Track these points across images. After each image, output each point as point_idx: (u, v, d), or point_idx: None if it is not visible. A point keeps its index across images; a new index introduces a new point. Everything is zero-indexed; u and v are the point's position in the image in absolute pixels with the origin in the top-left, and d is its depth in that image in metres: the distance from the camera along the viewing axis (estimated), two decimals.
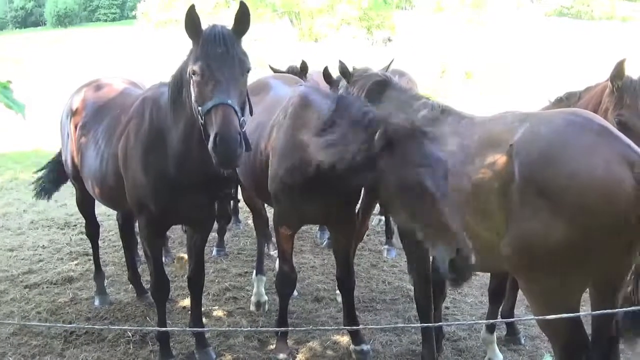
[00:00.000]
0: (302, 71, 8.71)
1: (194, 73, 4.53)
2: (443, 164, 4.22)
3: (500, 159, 4.14)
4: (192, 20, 4.56)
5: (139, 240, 7.31)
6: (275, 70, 8.97)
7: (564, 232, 3.78)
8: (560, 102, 5.83)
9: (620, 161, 3.75)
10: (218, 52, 4.48)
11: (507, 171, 4.06)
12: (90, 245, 7.84)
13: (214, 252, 9.01)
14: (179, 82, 4.98)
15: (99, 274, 7.48)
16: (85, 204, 7.31)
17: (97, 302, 7.31)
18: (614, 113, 5.39)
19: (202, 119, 4.52)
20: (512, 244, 4.05)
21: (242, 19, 4.64)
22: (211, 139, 4.34)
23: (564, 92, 6.05)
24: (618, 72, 5.41)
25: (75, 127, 6.49)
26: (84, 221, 7.78)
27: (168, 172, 5.31)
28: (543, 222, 3.85)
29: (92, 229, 7.59)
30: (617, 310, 4.18)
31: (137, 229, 6.96)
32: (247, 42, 4.79)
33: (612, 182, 3.71)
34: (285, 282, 5.98)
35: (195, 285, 6.11)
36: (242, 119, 4.48)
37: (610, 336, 4.32)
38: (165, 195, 5.41)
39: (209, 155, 4.42)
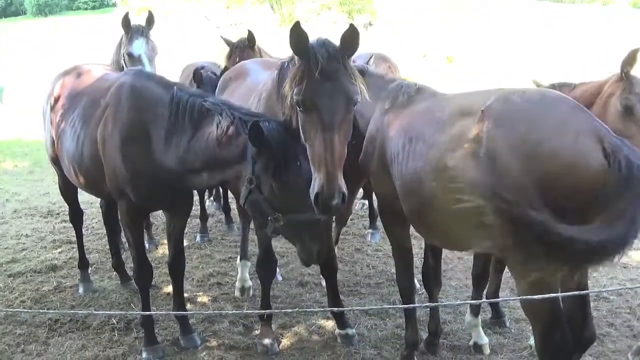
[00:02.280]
0: (249, 42, 8.75)
1: None
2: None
3: (471, 124, 4.11)
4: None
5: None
6: (225, 41, 9.02)
7: (533, 197, 3.75)
8: (553, 89, 5.80)
9: (590, 134, 3.71)
10: None
11: (477, 135, 4.03)
12: (73, 234, 7.82)
13: (198, 238, 9.03)
14: None
15: (82, 261, 7.46)
16: (68, 190, 7.25)
17: (81, 290, 7.30)
18: (621, 96, 5.41)
19: None
20: (491, 211, 4.00)
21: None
22: None
23: (556, 80, 6.06)
24: (630, 59, 5.46)
25: (56, 114, 6.45)
26: (67, 209, 7.75)
27: (149, 166, 5.32)
28: (514, 186, 3.80)
29: (76, 215, 7.55)
30: (608, 289, 4.16)
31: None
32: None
33: (578, 152, 3.65)
34: (265, 266, 5.98)
35: (176, 271, 6.11)
36: None
37: (584, 314, 4.30)
38: (144, 185, 5.43)
39: None
